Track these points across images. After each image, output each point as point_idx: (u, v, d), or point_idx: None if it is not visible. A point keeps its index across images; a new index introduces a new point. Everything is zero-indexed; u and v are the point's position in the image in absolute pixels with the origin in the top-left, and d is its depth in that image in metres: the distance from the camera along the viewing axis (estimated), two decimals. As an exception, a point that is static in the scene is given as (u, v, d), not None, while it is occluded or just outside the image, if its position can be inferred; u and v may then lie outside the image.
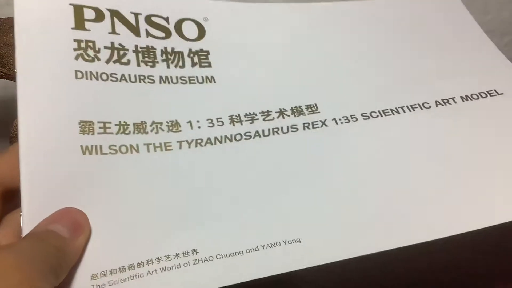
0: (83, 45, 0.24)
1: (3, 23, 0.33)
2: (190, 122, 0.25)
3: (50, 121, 0.22)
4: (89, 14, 0.25)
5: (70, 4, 0.25)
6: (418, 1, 0.33)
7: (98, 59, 0.24)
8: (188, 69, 0.27)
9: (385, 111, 0.27)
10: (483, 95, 0.28)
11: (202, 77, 0.27)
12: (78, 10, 0.25)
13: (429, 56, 0.30)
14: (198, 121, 0.25)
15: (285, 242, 0.21)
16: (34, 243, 0.18)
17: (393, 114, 0.27)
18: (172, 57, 0.26)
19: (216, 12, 0.29)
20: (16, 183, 0.21)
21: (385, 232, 0.22)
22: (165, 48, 0.26)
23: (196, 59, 0.27)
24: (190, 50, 0.27)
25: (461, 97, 0.28)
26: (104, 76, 0.24)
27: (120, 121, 0.24)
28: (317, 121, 0.26)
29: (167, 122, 0.24)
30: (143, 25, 0.26)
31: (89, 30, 0.25)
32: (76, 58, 0.24)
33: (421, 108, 0.27)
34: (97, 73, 0.24)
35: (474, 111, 0.27)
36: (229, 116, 0.26)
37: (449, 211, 0.23)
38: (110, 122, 0.23)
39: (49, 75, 0.23)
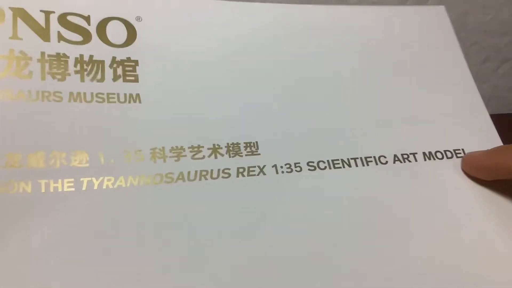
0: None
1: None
2: (99, 155, 0.21)
3: None
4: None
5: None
6: (406, 23, 0.28)
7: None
8: (108, 84, 0.22)
9: (335, 162, 0.23)
10: (449, 154, 0.25)
11: (125, 94, 0.22)
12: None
13: (405, 94, 0.26)
14: (109, 155, 0.21)
15: None
16: None
17: (344, 167, 0.23)
18: (89, 68, 0.21)
19: (153, 10, 0.23)
20: None
21: None
22: (81, 55, 0.21)
23: (120, 70, 0.22)
24: (113, 58, 0.22)
25: (424, 153, 0.24)
26: None
27: (8, 153, 0.19)
28: (254, 167, 0.22)
29: (70, 153, 0.20)
30: (55, 27, 0.21)
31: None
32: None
33: (376, 163, 0.24)
34: None
35: (432, 172, 0.24)
36: (151, 149, 0.22)
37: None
38: None
39: None
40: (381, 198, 0.23)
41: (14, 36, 0.20)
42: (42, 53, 0.20)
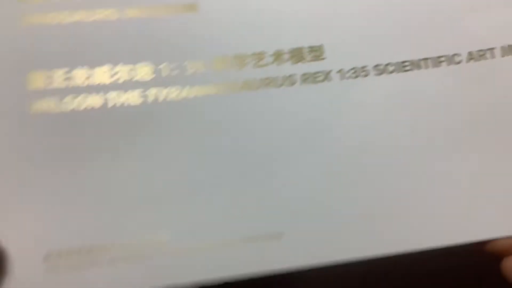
0: None
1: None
2: (162, 67, 0.20)
3: None
4: None
5: None
6: None
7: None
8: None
9: (404, 64, 0.22)
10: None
11: (184, 4, 0.21)
12: None
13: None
14: (173, 66, 0.21)
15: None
16: None
17: (413, 69, 0.22)
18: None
19: None
20: None
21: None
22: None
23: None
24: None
25: (502, 48, 0.23)
26: None
27: (75, 69, 0.19)
28: (319, 73, 0.22)
29: (135, 66, 0.20)
30: None
31: None
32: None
33: (449, 63, 0.22)
34: None
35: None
36: (213, 58, 0.21)
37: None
38: None
39: None
40: (454, 101, 0.22)
41: None
42: None
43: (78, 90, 0.20)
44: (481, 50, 0.22)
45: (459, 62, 0.22)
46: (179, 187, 0.19)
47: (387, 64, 0.22)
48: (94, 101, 0.20)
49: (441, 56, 0.22)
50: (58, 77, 0.20)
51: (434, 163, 0.21)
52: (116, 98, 0.20)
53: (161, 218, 0.19)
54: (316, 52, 0.22)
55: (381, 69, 0.22)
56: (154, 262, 0.19)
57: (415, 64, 0.22)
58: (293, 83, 0.21)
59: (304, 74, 0.21)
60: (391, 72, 0.22)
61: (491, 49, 0.22)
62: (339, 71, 0.22)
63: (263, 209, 0.20)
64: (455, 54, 0.22)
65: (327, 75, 0.22)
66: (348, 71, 0.22)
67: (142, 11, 0.21)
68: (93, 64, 0.20)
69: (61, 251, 0.18)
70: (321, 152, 0.20)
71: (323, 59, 0.22)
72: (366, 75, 0.22)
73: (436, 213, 0.20)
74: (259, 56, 0.21)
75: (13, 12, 0.20)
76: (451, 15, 0.22)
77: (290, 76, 0.21)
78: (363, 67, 0.22)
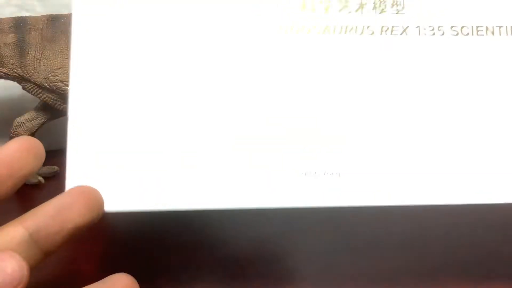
0: None
1: (3, 23, 0.32)
2: None
3: None
4: None
5: None
6: None
7: None
8: None
9: (479, 28, 0.23)
10: None
11: None
12: None
13: None
14: None
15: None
16: None
17: (487, 34, 0.23)
18: None
19: None
20: None
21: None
22: None
23: None
24: None
25: None
26: None
27: None
28: (397, 27, 0.23)
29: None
30: None
31: None
32: None
33: (523, 34, 0.23)
34: None
35: None
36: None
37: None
38: None
39: None
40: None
41: None
42: None
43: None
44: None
45: None
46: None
47: (462, 27, 0.23)
48: None
49: (516, 26, 0.23)
50: None
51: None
52: None
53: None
54: (398, 6, 0.23)
55: (456, 31, 0.23)
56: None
57: (490, 30, 0.23)
58: (372, 33, 0.22)
59: (383, 26, 0.23)
60: (466, 34, 0.23)
61: None
62: (417, 27, 0.23)
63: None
64: None
65: (405, 30, 0.23)
66: (425, 28, 0.23)
67: None
68: None
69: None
70: (390, 105, 0.22)
71: (403, 13, 0.23)
72: (442, 35, 0.23)
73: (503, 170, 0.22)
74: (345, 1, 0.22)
75: None
76: None
77: (369, 26, 0.22)
78: (439, 27, 0.23)
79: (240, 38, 0.22)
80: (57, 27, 0.32)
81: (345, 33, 0.22)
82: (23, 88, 0.33)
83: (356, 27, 0.22)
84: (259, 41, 0.22)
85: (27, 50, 0.32)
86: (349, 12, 0.22)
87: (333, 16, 0.22)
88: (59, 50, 0.32)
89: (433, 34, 0.23)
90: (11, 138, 0.31)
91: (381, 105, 0.22)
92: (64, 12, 0.33)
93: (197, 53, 0.21)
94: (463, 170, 0.21)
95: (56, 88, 0.32)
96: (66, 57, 0.31)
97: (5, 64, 0.32)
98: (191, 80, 0.21)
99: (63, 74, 0.31)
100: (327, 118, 0.21)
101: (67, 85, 0.30)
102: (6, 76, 0.33)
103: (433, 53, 0.23)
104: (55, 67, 0.32)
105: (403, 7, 0.23)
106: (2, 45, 0.31)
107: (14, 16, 0.33)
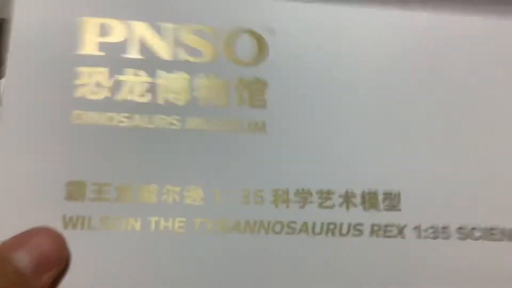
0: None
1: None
2: (215, 192, 0.18)
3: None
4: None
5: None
6: None
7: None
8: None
9: (493, 231, 0.19)
10: None
11: (250, 122, 0.19)
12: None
13: None
14: (227, 193, 0.18)
15: None
16: None
17: (503, 240, 0.19)
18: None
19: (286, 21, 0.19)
20: None
21: None
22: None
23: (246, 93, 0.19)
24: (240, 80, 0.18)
25: None
26: None
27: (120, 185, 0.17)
28: (392, 226, 0.19)
29: (184, 189, 0.18)
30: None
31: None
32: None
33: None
34: None
35: None
36: (273, 190, 0.18)
37: None
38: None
39: None
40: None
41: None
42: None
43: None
44: None
45: None
46: None
47: (473, 228, 0.19)
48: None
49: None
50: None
51: None
52: None
53: None
54: (393, 200, 0.19)
55: (465, 233, 0.19)
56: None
57: (506, 234, 0.19)
58: (360, 234, 0.18)
59: (374, 225, 0.18)
60: (478, 238, 0.19)
61: None
62: (416, 227, 0.19)
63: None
64: None
65: (401, 230, 0.18)
66: (426, 230, 0.19)
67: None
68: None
69: None
70: None
71: (398, 210, 0.19)
72: (446, 238, 0.19)
73: None
74: (327, 195, 0.19)
75: (65, 106, 0.18)
76: None
77: (357, 224, 0.18)
78: (444, 227, 0.19)
79: None
80: None
81: (325, 234, 0.18)
82: None
83: (341, 224, 0.18)
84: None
85: None
86: (332, 206, 0.18)
87: (312, 211, 0.18)
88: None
89: (436, 237, 0.19)
90: None
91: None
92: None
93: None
94: None
95: None
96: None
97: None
98: None
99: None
100: None
101: None
102: None
103: (436, 261, 0.18)
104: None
105: (398, 201, 0.19)
106: None
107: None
